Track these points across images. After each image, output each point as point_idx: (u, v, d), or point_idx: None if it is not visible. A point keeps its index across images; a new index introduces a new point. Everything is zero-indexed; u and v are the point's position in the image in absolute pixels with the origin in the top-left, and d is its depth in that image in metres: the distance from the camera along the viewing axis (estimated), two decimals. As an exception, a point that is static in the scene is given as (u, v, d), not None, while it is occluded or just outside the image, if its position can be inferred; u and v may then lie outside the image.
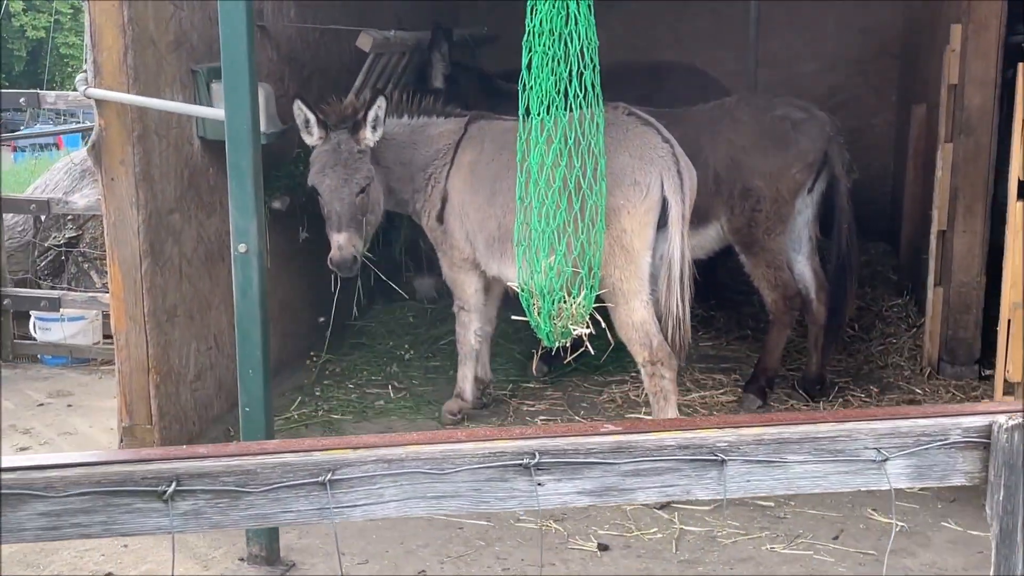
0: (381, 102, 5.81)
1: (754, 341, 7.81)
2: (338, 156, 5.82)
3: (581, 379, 7.09)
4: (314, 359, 7.40)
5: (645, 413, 6.54)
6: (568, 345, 5.30)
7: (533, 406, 6.74)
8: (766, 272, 6.46)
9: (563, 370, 7.24)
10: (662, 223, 5.35)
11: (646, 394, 6.68)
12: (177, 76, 5.69)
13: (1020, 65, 5.17)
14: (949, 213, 6.84)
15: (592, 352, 5.28)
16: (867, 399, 6.68)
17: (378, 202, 6.05)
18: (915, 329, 7.59)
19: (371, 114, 5.80)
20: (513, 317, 5.55)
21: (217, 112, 4.77)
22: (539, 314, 5.24)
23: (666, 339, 5.33)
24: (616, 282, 5.33)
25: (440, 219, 6.11)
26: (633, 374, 7.03)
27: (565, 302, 5.22)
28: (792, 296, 6.47)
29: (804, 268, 6.61)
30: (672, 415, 5.31)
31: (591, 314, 5.23)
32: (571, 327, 5.24)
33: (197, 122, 5.83)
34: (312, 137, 5.90)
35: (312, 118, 5.84)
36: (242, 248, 4.57)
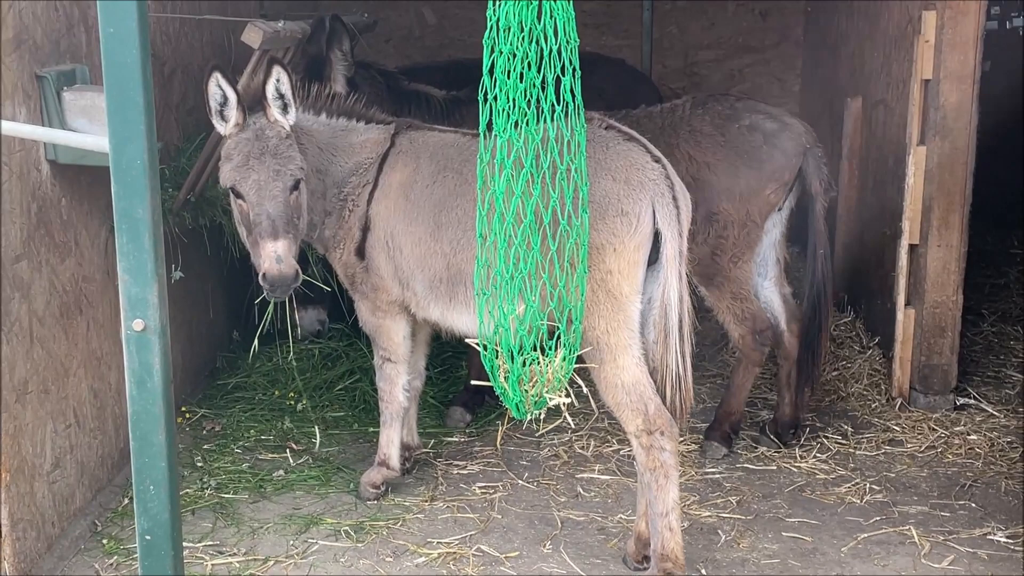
0: (278, 73, 4.54)
1: (696, 370, 6.90)
2: (264, 144, 4.55)
3: (511, 429, 6.03)
4: (187, 416, 6.15)
5: (600, 471, 5.56)
6: (541, 416, 4.29)
7: (464, 468, 5.66)
8: (732, 305, 5.55)
9: (487, 418, 6.20)
10: (651, 260, 4.37)
11: (596, 448, 5.78)
12: (19, 83, 4.38)
13: None
14: (922, 225, 6.07)
15: (572, 426, 4.29)
16: (844, 442, 5.86)
17: (306, 208, 4.80)
18: (869, 351, 6.83)
19: (269, 89, 4.54)
20: (473, 383, 4.49)
21: (97, 141, 3.52)
22: (506, 380, 4.20)
23: (663, 402, 4.35)
24: (601, 335, 4.31)
25: (360, 253, 4.97)
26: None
27: (539, 364, 4.19)
28: (763, 330, 5.58)
29: (772, 295, 5.74)
30: (674, 496, 4.32)
31: (571, 377, 4.24)
32: (546, 395, 4.22)
33: (46, 143, 4.54)
34: (227, 124, 4.59)
35: (233, 97, 4.53)
36: (138, 325, 3.34)
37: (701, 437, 5.84)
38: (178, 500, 3.49)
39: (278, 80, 4.53)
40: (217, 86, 4.49)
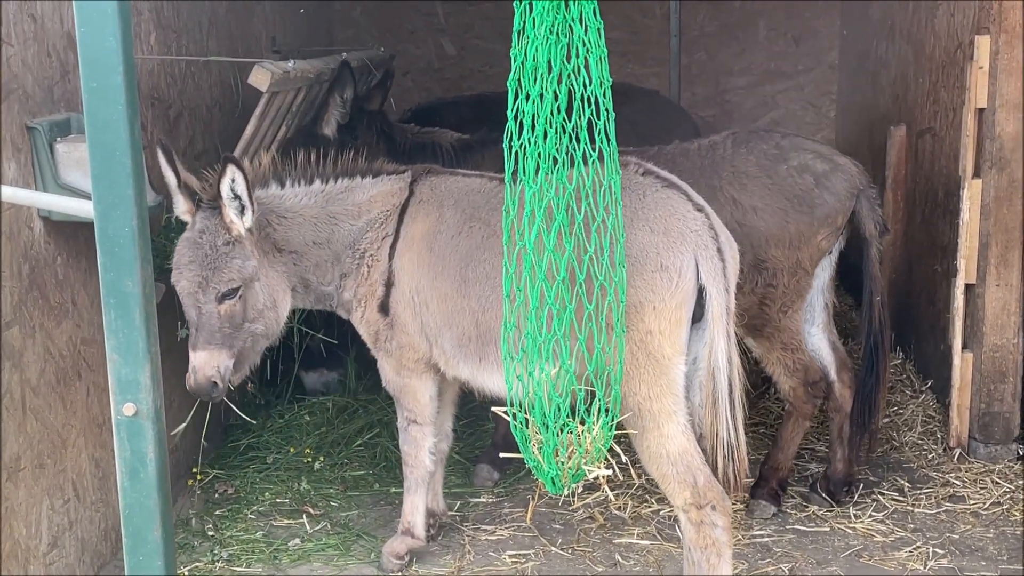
0: (233, 172, 4.16)
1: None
2: (195, 251, 4.27)
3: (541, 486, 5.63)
4: (199, 478, 5.79)
5: (639, 535, 5.16)
6: (578, 489, 3.92)
7: (493, 533, 5.27)
8: (782, 356, 5.16)
9: (516, 475, 5.82)
10: (695, 318, 4.00)
11: (635, 509, 5.39)
12: (8, 136, 4.07)
13: None
14: (978, 263, 5.68)
15: (613, 499, 3.92)
16: (901, 499, 5.44)
17: (270, 306, 4.48)
18: (922, 395, 6.44)
19: (223, 190, 4.19)
20: (502, 455, 4.13)
21: (81, 206, 3.18)
22: (540, 451, 3.83)
23: (714, 472, 3.97)
24: (642, 401, 3.94)
25: (384, 310, 4.61)
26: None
27: (576, 434, 3.82)
28: (815, 382, 5.19)
29: (820, 342, 5.34)
30: (727, 574, 3.94)
31: (610, 447, 3.86)
32: (585, 468, 3.85)
33: (39, 198, 4.21)
34: (179, 207, 4.38)
35: (172, 181, 4.30)
36: (129, 410, 3.00)
37: (746, 495, 5.43)
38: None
39: (233, 180, 4.18)
40: (162, 164, 4.27)
